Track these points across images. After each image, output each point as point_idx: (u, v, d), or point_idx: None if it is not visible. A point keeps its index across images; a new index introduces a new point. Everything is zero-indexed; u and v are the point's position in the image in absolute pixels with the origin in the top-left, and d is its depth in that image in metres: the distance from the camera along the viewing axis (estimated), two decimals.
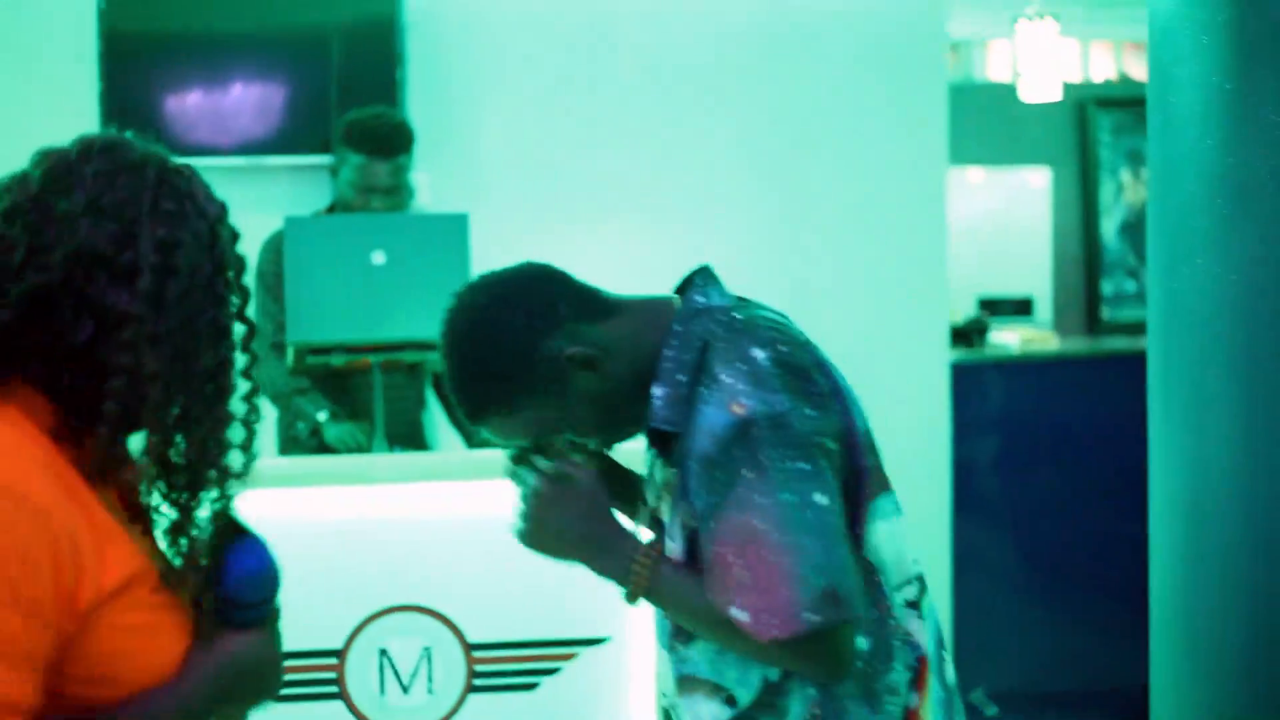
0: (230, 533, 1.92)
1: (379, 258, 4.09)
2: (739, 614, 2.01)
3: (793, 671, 2.10)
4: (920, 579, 2.22)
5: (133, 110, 5.08)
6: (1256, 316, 2.50)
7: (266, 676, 1.95)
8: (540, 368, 2.12)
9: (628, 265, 5.30)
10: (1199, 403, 2.62)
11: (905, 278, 5.54)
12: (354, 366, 4.30)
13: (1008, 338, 6.58)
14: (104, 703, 1.75)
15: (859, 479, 2.14)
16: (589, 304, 2.19)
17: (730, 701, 2.13)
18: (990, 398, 6.00)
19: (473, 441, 4.45)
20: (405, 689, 3.89)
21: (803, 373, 2.10)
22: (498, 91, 5.35)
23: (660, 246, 5.38)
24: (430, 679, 3.89)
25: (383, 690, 3.88)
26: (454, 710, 3.90)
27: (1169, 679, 2.78)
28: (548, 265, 2.24)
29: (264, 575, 1.93)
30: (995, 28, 7.53)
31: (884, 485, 2.20)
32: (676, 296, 2.24)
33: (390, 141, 4.61)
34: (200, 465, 1.86)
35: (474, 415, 2.18)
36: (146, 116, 5.13)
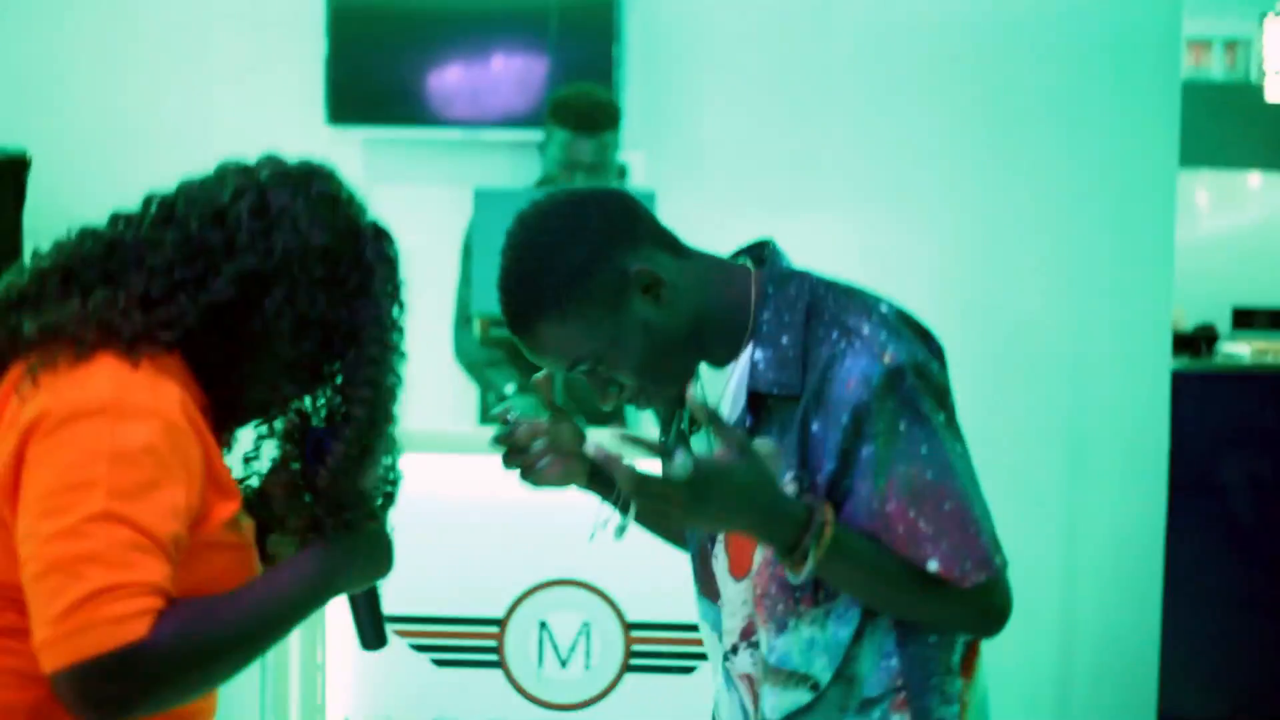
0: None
1: None
2: (935, 564, 1.97)
3: (966, 631, 2.08)
4: None
5: (354, 84, 5.22)
6: None
7: (376, 556, 2.14)
8: (604, 276, 2.03)
9: (835, 251, 5.26)
10: None
11: (1127, 281, 5.37)
12: None
13: (1240, 348, 6.34)
14: None
15: None
16: (667, 237, 2.11)
17: (815, 688, 2.08)
18: (1213, 409, 5.78)
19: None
20: (563, 663, 3.91)
21: (920, 329, 2.10)
22: (713, 73, 5.33)
23: (870, 235, 5.32)
24: (588, 654, 3.90)
25: (541, 662, 3.91)
26: (611, 687, 3.90)
27: None
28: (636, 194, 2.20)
29: None
30: (1239, 24, 7.27)
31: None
32: (747, 260, 2.17)
33: (595, 118, 4.63)
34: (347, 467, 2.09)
35: (525, 314, 2.07)
36: (368, 90, 5.26)
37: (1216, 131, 7.37)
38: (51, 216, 4.43)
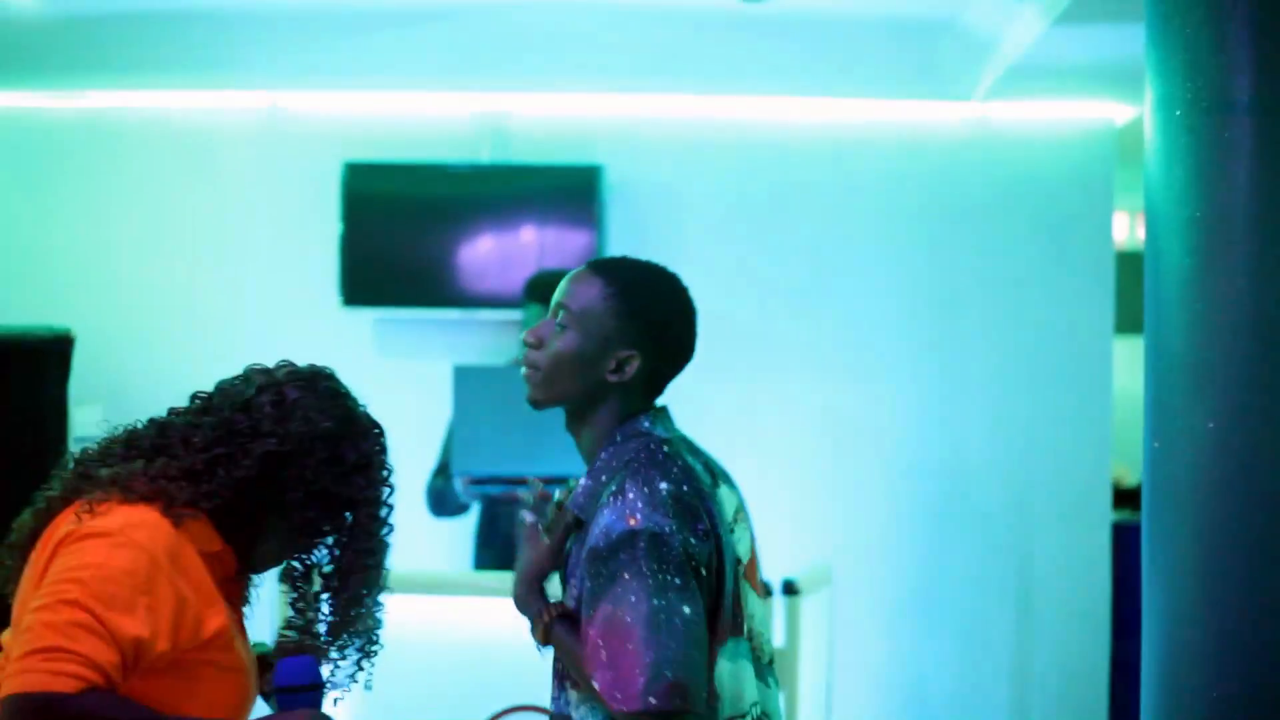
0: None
1: None
2: (596, 684, 2.44)
3: None
4: (746, 715, 2.57)
5: (366, 269, 5.84)
6: None
7: None
8: (643, 324, 2.56)
9: (797, 413, 5.82)
10: None
11: (1068, 440, 5.86)
12: (507, 498, 4.88)
13: None
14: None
15: (715, 618, 2.52)
16: (665, 377, 2.63)
17: None
18: None
19: None
20: None
21: (693, 510, 2.50)
22: (687, 252, 5.83)
23: (829, 399, 5.85)
24: None
25: None
26: None
27: None
28: None
29: (304, 671, 2.58)
30: None
31: (738, 631, 2.56)
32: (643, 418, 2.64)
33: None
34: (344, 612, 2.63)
35: (598, 267, 2.61)
36: (378, 269, 5.88)
37: None
38: (95, 390, 5.02)
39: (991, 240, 5.91)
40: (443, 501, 5.26)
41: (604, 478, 2.53)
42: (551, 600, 2.57)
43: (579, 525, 2.55)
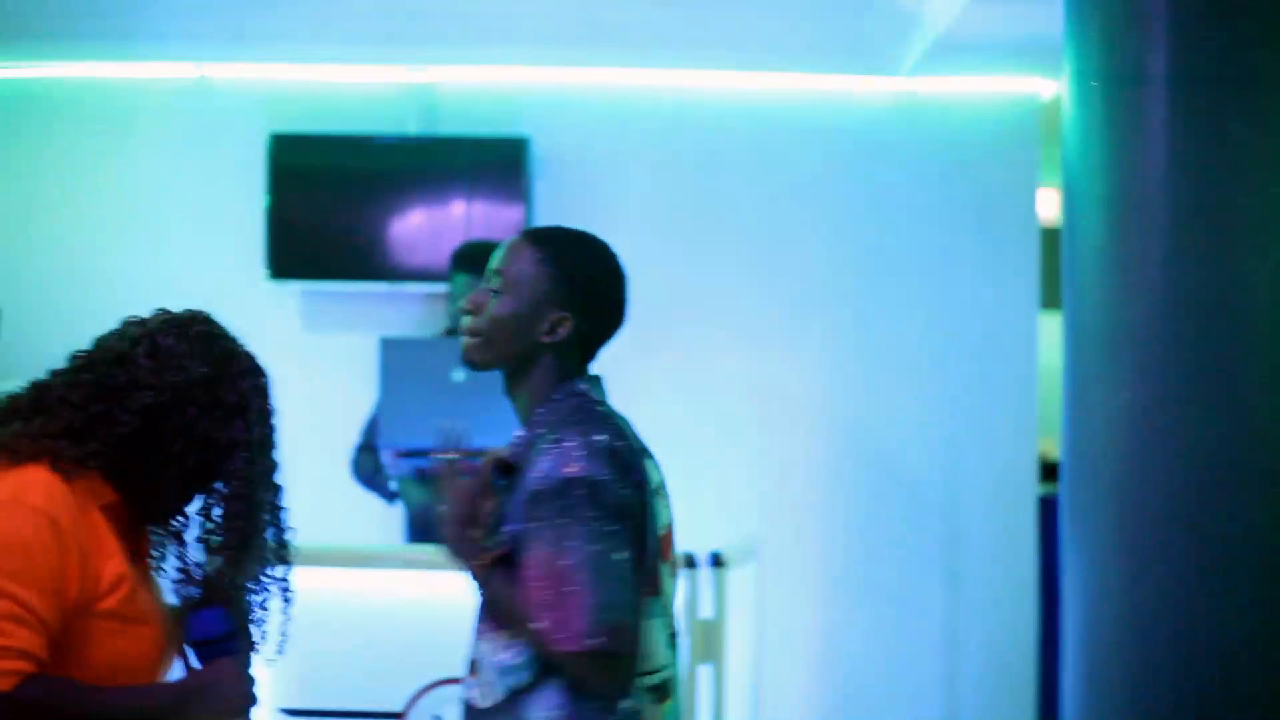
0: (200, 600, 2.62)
1: (459, 375, 4.66)
2: (537, 625, 2.51)
3: (569, 677, 2.55)
4: (669, 683, 2.67)
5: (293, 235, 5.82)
6: None
7: (229, 693, 2.49)
8: (574, 287, 2.67)
9: (727, 383, 5.84)
10: None
11: (994, 414, 5.90)
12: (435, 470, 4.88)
13: None
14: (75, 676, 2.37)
15: (644, 574, 2.61)
16: (601, 338, 2.74)
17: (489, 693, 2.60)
18: None
19: None
20: None
21: (627, 463, 2.61)
22: (615, 220, 5.85)
23: (761, 370, 5.88)
24: None
25: None
26: None
27: None
28: None
29: (217, 622, 2.57)
30: None
31: (654, 591, 2.65)
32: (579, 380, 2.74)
33: (484, 262, 5.20)
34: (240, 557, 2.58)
35: (533, 234, 2.74)
36: (305, 241, 5.86)
37: None
38: (17, 366, 4.95)
39: (919, 214, 5.94)
40: (370, 480, 5.29)
41: (540, 430, 2.62)
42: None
43: (509, 471, 2.63)
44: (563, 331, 2.67)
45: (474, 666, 2.65)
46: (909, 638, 5.86)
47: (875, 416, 5.92)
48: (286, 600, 2.65)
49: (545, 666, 2.56)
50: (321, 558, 3.84)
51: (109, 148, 6.03)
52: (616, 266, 2.77)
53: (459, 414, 4.66)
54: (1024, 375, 5.92)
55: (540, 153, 5.89)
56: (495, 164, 5.81)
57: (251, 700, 2.53)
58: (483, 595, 2.63)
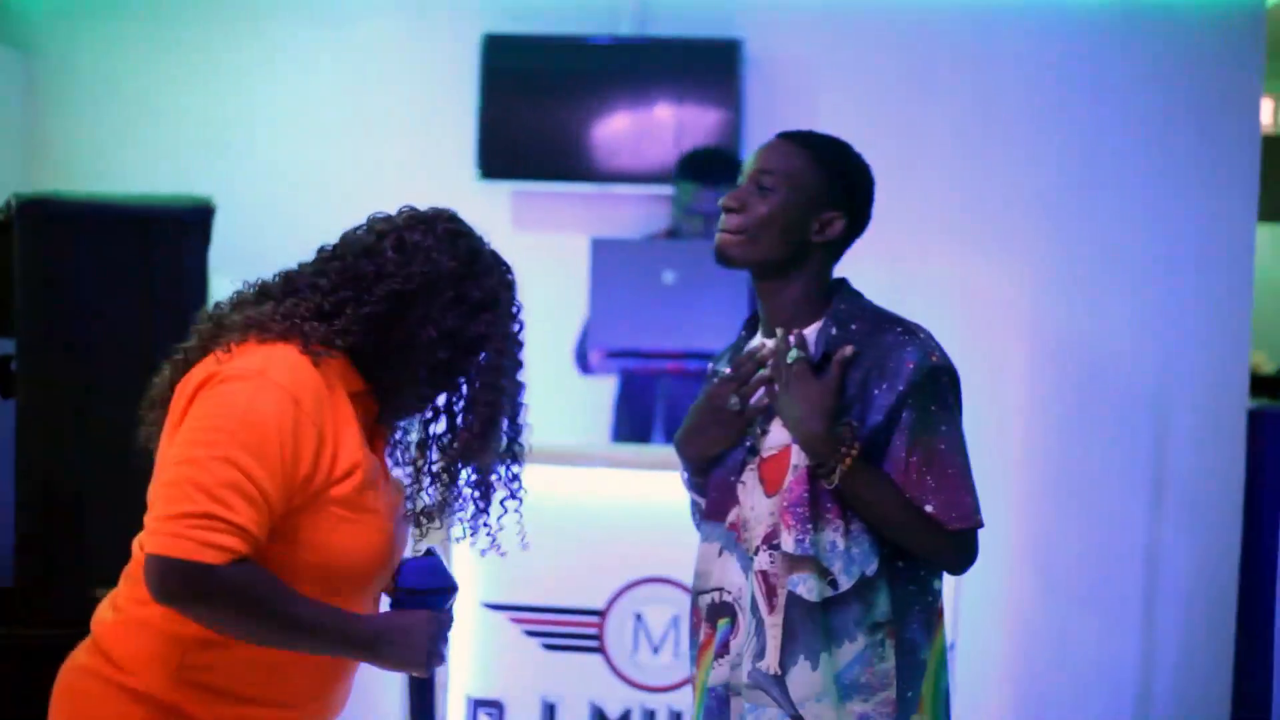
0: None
1: (669, 278, 4.69)
2: (929, 508, 2.62)
3: (936, 560, 2.68)
4: None
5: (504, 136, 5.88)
6: None
7: (415, 647, 2.51)
8: (847, 188, 2.78)
9: (931, 291, 5.80)
10: None
11: (1207, 325, 5.79)
12: (647, 371, 4.94)
13: None
14: (287, 566, 2.43)
15: None
16: (856, 237, 2.84)
17: (833, 584, 2.63)
18: None
19: None
20: (655, 650, 4.48)
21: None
22: (827, 130, 5.86)
23: (971, 279, 5.83)
24: (676, 644, 4.46)
25: (636, 649, 4.49)
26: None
27: None
28: None
29: (429, 573, 2.60)
30: None
31: None
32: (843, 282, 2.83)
33: (717, 170, 5.24)
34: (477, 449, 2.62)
35: (811, 138, 2.80)
36: (516, 142, 5.91)
37: None
38: (234, 260, 5.10)
39: (1137, 121, 5.81)
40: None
41: (854, 326, 2.70)
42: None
43: (821, 364, 2.67)
44: (832, 231, 2.74)
45: (792, 562, 2.64)
46: (1110, 549, 5.81)
47: (1086, 325, 5.84)
48: (518, 498, 2.70)
49: (887, 555, 2.65)
50: (527, 455, 3.92)
51: (324, 46, 6.13)
52: (870, 169, 2.84)
53: (668, 316, 4.74)
54: (1239, 287, 5.79)
55: (753, 55, 5.87)
56: (707, 67, 5.81)
57: (439, 659, 2.55)
58: (852, 493, 2.63)
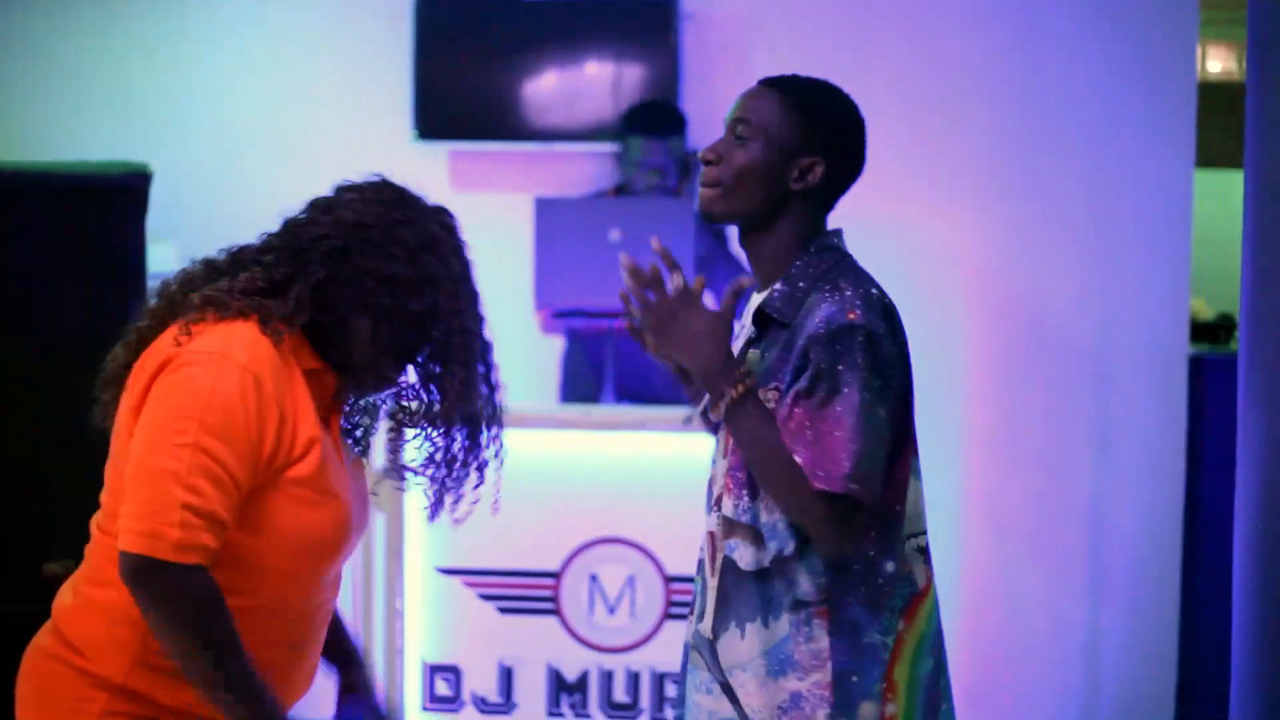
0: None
1: (615, 235, 4.65)
2: (799, 458, 2.48)
3: (808, 533, 2.54)
4: (925, 534, 2.67)
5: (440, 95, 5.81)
6: None
7: None
8: (821, 134, 2.69)
9: (876, 246, 5.76)
10: None
11: (1146, 272, 5.82)
12: (594, 330, 4.91)
13: None
14: (247, 549, 2.40)
15: (906, 433, 2.62)
16: (838, 194, 2.75)
17: (760, 544, 2.58)
18: (1229, 393, 6.15)
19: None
20: (611, 610, 4.46)
21: (895, 321, 2.61)
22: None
23: (907, 232, 5.82)
24: (633, 604, 4.45)
25: (592, 610, 4.47)
26: (653, 633, 4.45)
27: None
28: None
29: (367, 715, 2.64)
30: None
31: (916, 450, 2.65)
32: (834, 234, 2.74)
33: (660, 122, 5.21)
34: (448, 409, 2.57)
35: (783, 81, 2.74)
36: (453, 101, 5.85)
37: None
38: (171, 227, 5.04)
39: (1075, 71, 5.81)
40: None
41: (802, 284, 2.60)
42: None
43: (769, 328, 2.61)
44: (813, 178, 2.66)
45: (730, 526, 2.61)
46: (1057, 495, 5.83)
47: (1028, 275, 5.84)
48: (500, 459, 2.65)
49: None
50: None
51: (258, 11, 6.04)
52: (858, 111, 2.77)
53: (615, 274, 4.70)
54: (1178, 234, 5.81)
55: (689, 10, 5.83)
56: (643, 23, 5.76)
57: None
58: (735, 426, 2.56)
